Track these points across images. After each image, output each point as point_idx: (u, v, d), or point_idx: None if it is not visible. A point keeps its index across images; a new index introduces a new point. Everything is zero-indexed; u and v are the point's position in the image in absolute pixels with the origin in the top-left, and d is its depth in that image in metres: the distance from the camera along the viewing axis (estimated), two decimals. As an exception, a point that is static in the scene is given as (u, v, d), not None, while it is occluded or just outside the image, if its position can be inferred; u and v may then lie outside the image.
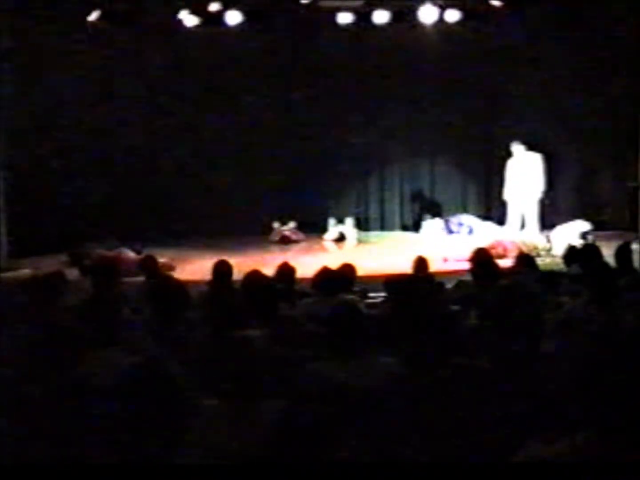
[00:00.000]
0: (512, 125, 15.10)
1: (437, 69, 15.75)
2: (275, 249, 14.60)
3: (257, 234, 15.18)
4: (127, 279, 8.49)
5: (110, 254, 11.82)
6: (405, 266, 8.24)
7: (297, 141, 15.80)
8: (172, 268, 11.20)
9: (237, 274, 6.87)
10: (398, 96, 15.86)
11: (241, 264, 10.23)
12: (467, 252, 7.24)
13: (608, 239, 11.84)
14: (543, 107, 15.08)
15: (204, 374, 3.69)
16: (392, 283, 5.72)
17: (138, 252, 11.79)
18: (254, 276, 5.85)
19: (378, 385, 3.51)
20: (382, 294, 7.00)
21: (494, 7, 14.77)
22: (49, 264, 10.48)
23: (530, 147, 14.04)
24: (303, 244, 15.20)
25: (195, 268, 11.17)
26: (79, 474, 2.69)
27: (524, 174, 13.80)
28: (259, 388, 3.40)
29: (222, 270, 7.23)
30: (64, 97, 13.99)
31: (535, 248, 12.18)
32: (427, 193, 16.87)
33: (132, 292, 6.85)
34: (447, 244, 13.92)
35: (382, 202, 16.95)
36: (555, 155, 14.70)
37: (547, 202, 14.08)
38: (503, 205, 14.32)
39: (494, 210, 15.68)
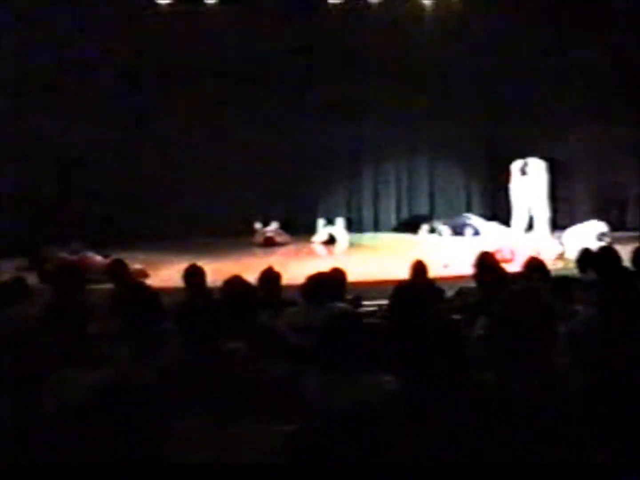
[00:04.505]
0: (521, 118, 15.12)
1: (438, 57, 15.76)
2: (258, 252, 14.60)
3: (239, 236, 15.18)
4: (93, 286, 8.45)
5: (74, 258, 11.78)
6: (401, 272, 8.23)
7: (281, 133, 15.79)
8: (145, 275, 11.18)
9: (216, 280, 6.84)
10: (394, 86, 15.86)
11: (220, 268, 10.23)
12: (470, 256, 7.24)
13: (627, 240, 11.87)
14: (555, 100, 15.09)
15: (181, 391, 3.67)
16: (395, 290, 5.71)
17: (105, 256, 11.75)
18: (235, 283, 5.83)
19: (372, 406, 3.50)
20: (377, 302, 6.99)
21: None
22: (6, 268, 10.43)
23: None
24: (289, 247, 15.22)
25: (170, 274, 11.12)
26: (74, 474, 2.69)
27: (531, 177, 13.94)
28: (239, 406, 3.39)
29: (193, 275, 7.21)
30: (21, 94, 13.96)
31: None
32: (426, 191, 16.92)
33: (99, 301, 6.81)
34: (448, 247, 13.92)
35: (376, 201, 16.98)
36: (570, 152, 14.76)
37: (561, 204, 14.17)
38: (509, 206, 14.35)
39: (499, 210, 15.70)
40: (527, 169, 13.73)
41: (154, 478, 2.67)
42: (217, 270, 9.33)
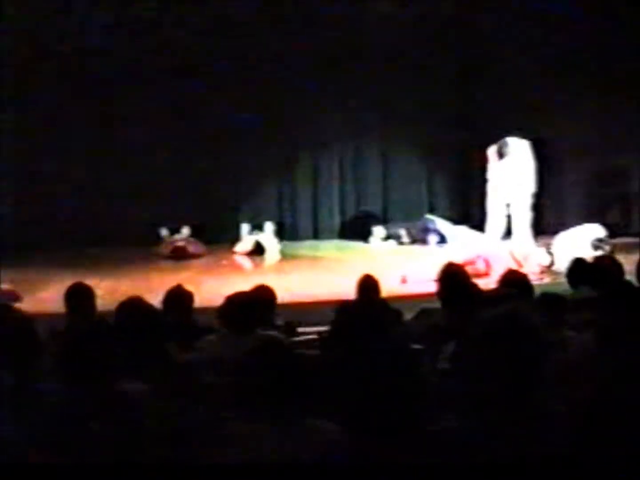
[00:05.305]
0: (499, 98, 15.23)
1: (393, 22, 15.83)
2: (164, 266, 14.54)
3: (139, 246, 15.09)
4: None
5: None
6: (347, 289, 8.25)
7: (191, 116, 15.76)
8: (16, 297, 11.06)
9: (109, 302, 6.79)
10: (338, 59, 15.91)
11: (115, 287, 10.18)
12: (434, 268, 7.28)
13: (630, 248, 12.02)
14: (540, 74, 15.24)
15: (62, 446, 3.62)
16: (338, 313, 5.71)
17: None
18: (133, 305, 5.79)
19: (310, 460, 3.49)
20: (315, 329, 6.99)
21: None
22: None
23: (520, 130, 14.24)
24: (204, 259, 15.17)
25: (48, 295, 11.02)
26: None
27: (511, 165, 13.98)
28: (140, 467, 3.35)
29: (78, 297, 7.16)
30: None
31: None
32: (378, 187, 16.97)
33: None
34: (406, 258, 13.99)
35: (315, 200, 17.00)
36: (558, 140, 14.91)
37: (548, 202, 14.27)
38: (482, 206, 14.44)
39: (471, 210, 15.82)
40: (506, 150, 13.72)
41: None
42: (110, 290, 9.31)
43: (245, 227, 16.10)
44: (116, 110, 15.72)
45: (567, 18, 14.85)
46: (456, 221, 15.67)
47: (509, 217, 14.01)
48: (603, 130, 15.31)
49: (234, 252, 15.66)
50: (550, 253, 12.90)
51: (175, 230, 15.72)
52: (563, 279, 8.44)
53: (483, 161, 14.29)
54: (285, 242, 16.04)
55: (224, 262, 15.00)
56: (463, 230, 15.06)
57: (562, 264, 11.40)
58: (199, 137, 15.97)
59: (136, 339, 5.18)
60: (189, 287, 7.44)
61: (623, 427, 2.38)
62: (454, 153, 16.57)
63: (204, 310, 7.46)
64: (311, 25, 15.80)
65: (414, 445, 3.35)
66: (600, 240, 13.40)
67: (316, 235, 16.88)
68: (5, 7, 14.60)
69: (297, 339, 7.25)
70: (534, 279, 9.55)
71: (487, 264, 12.16)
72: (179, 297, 7.19)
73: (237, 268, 14.78)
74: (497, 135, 14.21)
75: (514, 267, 11.12)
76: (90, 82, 15.55)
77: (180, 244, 15.49)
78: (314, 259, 15.01)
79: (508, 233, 14.01)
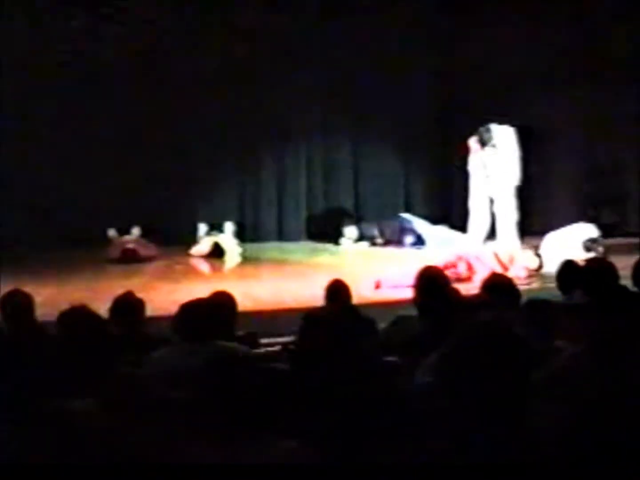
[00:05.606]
0: (483, 86, 15.30)
1: (367, 15, 15.89)
2: (112, 270, 14.48)
3: (84, 248, 15.03)
4: None
5: None
6: (314, 295, 8.25)
7: (143, 107, 15.77)
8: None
9: (51, 311, 6.76)
10: (305, 45, 15.93)
11: (58, 294, 10.12)
12: (411, 272, 7.29)
13: (626, 250, 12.07)
14: (528, 62, 15.32)
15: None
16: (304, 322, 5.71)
17: None
18: (77, 314, 5.76)
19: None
20: (280, 340, 6.99)
21: None
22: None
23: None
24: (156, 263, 15.12)
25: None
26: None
27: (495, 154, 14.00)
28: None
29: (15, 305, 7.12)
30: None
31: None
32: (349, 184, 16.99)
33: None
34: (380, 261, 13.99)
35: (280, 198, 17.00)
36: (549, 133, 14.95)
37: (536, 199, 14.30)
38: (464, 203, 14.47)
39: (451, 209, 15.85)
40: (489, 137, 13.70)
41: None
42: (53, 297, 9.24)
43: (202, 228, 16.09)
44: (70, 107, 15.67)
45: (556, 5, 14.97)
46: (435, 220, 15.72)
47: (493, 215, 14.04)
48: (597, 121, 15.36)
49: (189, 255, 15.63)
50: (538, 255, 12.94)
51: (124, 231, 15.66)
52: (552, 284, 8.48)
53: (464, 153, 14.32)
54: (247, 244, 16.01)
55: (179, 265, 14.97)
56: (442, 230, 15.12)
57: (551, 267, 11.45)
58: (154, 127, 15.94)
59: (80, 352, 5.15)
60: (139, 293, 7.42)
61: (616, 442, 2.39)
62: (432, 145, 16.61)
63: (157, 319, 7.44)
64: (279, 20, 15.85)
65: (389, 466, 3.35)
66: (592, 241, 13.45)
67: (281, 236, 16.89)
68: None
69: (259, 350, 7.25)
70: (521, 283, 9.58)
71: (469, 267, 12.18)
72: (128, 305, 7.17)
73: (194, 272, 14.73)
74: (478, 126, 14.25)
75: (499, 270, 11.16)
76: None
77: (130, 246, 15.43)
78: (279, 262, 14.99)
79: (492, 233, 14.04)
